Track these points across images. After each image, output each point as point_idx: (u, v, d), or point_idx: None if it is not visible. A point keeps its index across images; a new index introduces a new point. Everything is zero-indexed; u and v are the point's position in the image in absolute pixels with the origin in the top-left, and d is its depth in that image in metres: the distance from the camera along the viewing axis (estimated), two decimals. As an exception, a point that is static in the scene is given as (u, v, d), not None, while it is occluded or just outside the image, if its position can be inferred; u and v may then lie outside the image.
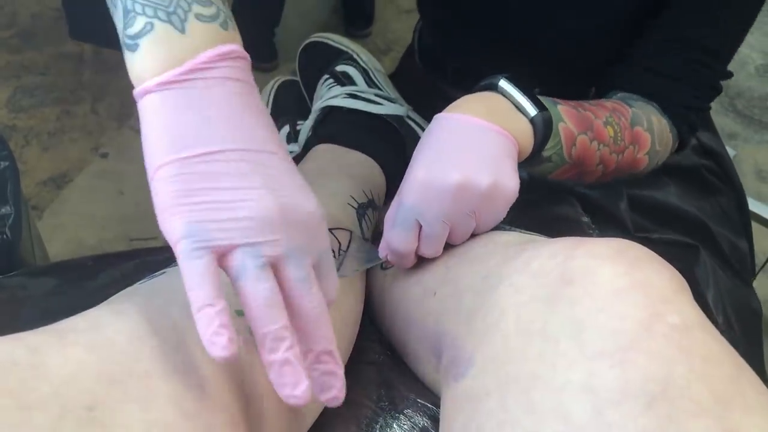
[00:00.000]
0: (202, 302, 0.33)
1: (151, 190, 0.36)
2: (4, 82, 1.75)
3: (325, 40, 0.85)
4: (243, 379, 0.40)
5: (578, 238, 0.37)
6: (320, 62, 0.84)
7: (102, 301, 0.41)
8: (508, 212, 0.49)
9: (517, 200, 0.48)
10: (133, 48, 0.37)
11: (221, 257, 0.35)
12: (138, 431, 0.32)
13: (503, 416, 0.33)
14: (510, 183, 0.46)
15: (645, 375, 0.30)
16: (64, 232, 1.39)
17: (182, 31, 0.37)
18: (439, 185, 0.45)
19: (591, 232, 0.69)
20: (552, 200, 0.69)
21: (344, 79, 0.80)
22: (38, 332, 0.35)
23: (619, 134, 0.56)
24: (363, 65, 0.81)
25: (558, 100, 0.54)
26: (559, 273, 0.35)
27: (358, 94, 0.77)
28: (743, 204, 0.84)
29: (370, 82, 0.80)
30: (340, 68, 0.81)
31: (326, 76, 0.82)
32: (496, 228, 0.52)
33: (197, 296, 0.33)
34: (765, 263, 1.21)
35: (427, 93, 0.84)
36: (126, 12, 0.37)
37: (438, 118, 0.49)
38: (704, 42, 0.61)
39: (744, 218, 0.83)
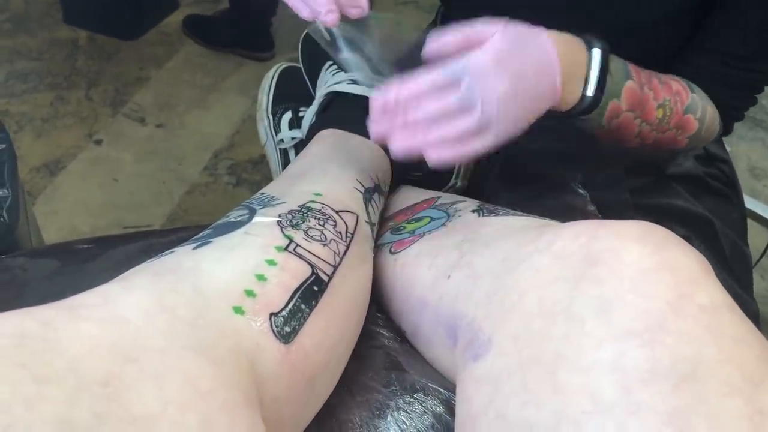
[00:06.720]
0: None
1: None
2: (-4, 67, 1.73)
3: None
4: (255, 360, 0.39)
5: (601, 220, 0.37)
6: (322, 49, 0.83)
7: (106, 282, 0.40)
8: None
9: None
10: None
11: None
12: (154, 408, 0.31)
13: (526, 396, 0.33)
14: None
15: (674, 355, 0.29)
16: (57, 219, 1.38)
17: None
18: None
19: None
20: (560, 191, 0.69)
21: (347, 66, 0.79)
22: (48, 307, 0.34)
23: (666, 117, 0.60)
24: (366, 52, 0.81)
25: (634, 72, 0.58)
26: (583, 254, 0.35)
27: (362, 80, 0.76)
28: (743, 211, 0.85)
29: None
30: (343, 54, 0.80)
31: (330, 63, 0.82)
32: (507, 213, 0.52)
33: None
34: (758, 260, 1.21)
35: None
36: None
37: (537, 32, 0.51)
38: (735, 49, 0.65)
39: (744, 225, 0.84)
